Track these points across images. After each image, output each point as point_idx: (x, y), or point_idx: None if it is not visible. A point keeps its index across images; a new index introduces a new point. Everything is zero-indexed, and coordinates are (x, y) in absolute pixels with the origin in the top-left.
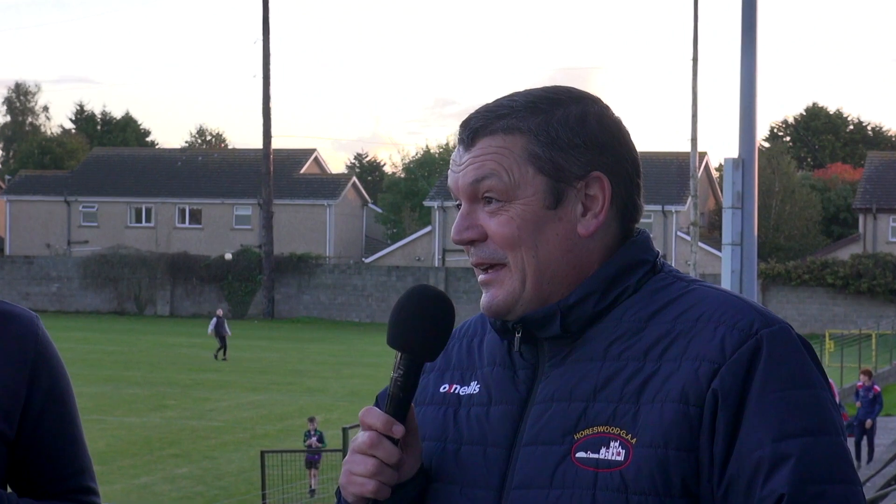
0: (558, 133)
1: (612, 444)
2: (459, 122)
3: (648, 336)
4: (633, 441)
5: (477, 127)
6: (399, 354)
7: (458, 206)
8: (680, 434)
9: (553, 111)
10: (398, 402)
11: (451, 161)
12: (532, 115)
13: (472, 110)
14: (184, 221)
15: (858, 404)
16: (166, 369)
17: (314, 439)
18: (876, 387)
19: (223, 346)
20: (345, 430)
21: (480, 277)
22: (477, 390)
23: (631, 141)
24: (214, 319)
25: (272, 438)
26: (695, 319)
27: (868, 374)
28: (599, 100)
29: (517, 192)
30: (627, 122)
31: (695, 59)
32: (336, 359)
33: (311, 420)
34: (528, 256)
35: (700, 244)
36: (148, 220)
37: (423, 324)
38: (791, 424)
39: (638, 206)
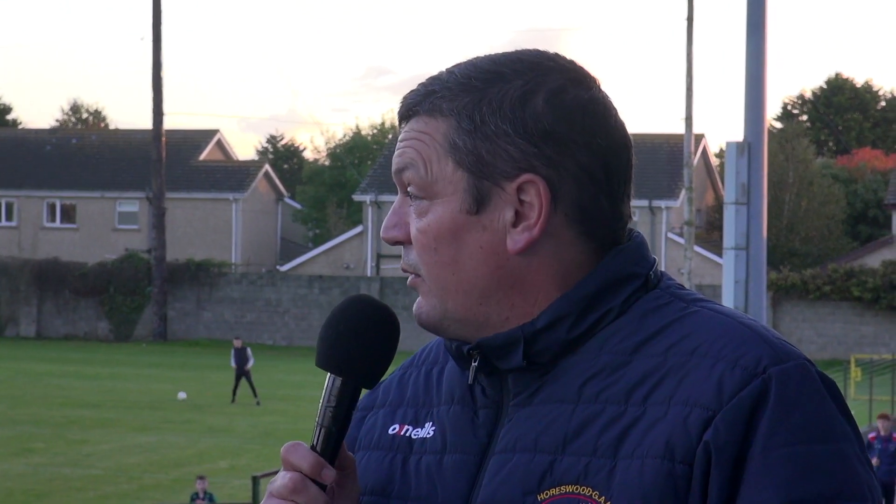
0: (485, 118)
1: None
2: (395, 96)
3: (633, 372)
4: None
5: (408, 104)
6: (332, 379)
7: None
8: (662, 498)
9: (488, 89)
10: (329, 437)
11: None
12: (463, 93)
13: (411, 81)
14: (54, 220)
15: (877, 461)
16: (32, 404)
17: None
18: None
19: (249, 382)
20: (255, 480)
21: (408, 281)
22: (431, 433)
23: (605, 125)
24: (233, 350)
25: (164, 490)
26: (689, 352)
27: (886, 417)
28: (572, 70)
29: (436, 189)
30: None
31: (690, 19)
32: (244, 390)
33: (201, 479)
34: (445, 271)
35: (696, 248)
36: (9, 217)
37: (362, 341)
38: (802, 488)
39: (604, 210)
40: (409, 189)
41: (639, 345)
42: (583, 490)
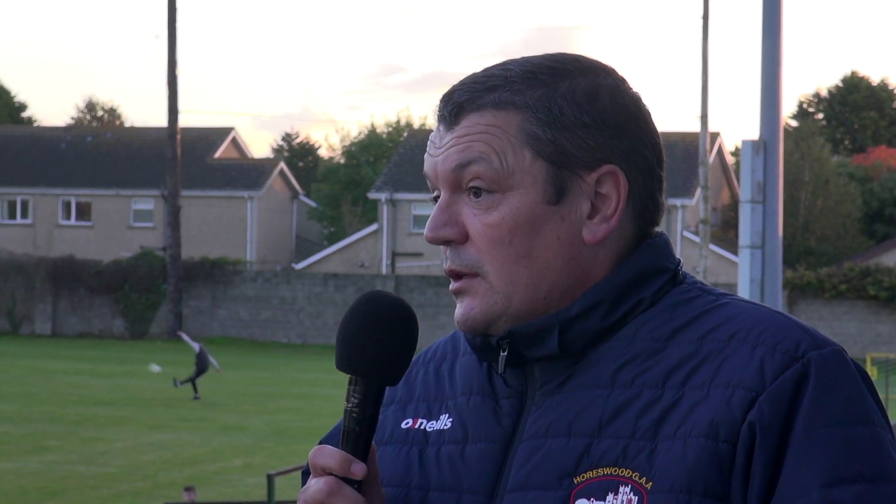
0: (563, 109)
1: (621, 489)
2: (408, 94)
3: (669, 358)
4: (648, 486)
5: (462, 101)
6: (353, 379)
7: (436, 198)
8: (707, 477)
9: (557, 83)
10: (356, 438)
11: (428, 143)
12: (531, 87)
13: (424, 79)
14: (69, 218)
15: None
16: (47, 402)
17: None
18: None
19: (192, 380)
20: (270, 478)
21: (452, 286)
22: (448, 425)
23: (652, 123)
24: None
25: (179, 488)
26: (727, 339)
27: None
28: (614, 71)
29: (511, 182)
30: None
31: (705, 17)
32: (259, 389)
33: (189, 491)
34: (518, 265)
35: (711, 247)
36: (24, 215)
37: (381, 338)
38: (844, 468)
39: (659, 205)
40: (472, 184)
41: (673, 332)
42: (622, 472)
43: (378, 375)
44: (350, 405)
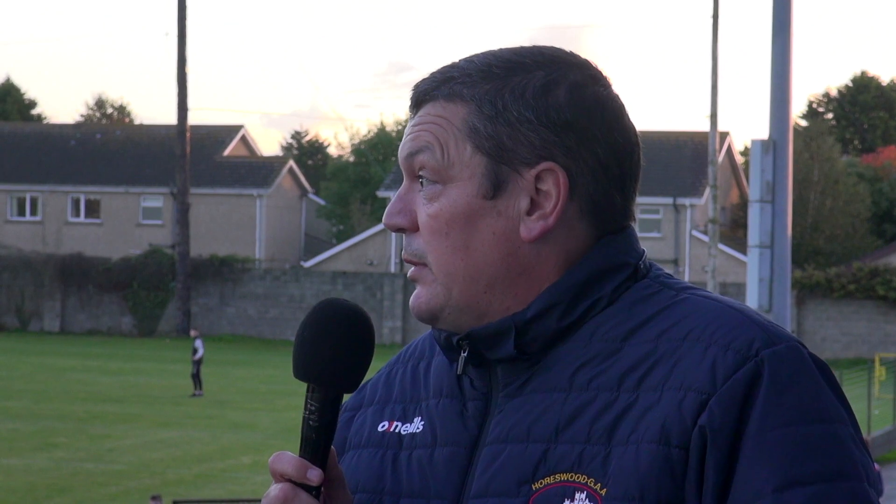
0: (507, 104)
1: (577, 495)
2: None
3: (625, 359)
4: (603, 492)
5: (420, 91)
6: (310, 387)
7: None
8: (659, 483)
9: (510, 77)
10: (314, 445)
11: None
12: (483, 80)
13: None
14: (78, 215)
15: None
16: (55, 399)
17: None
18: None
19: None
20: None
21: (409, 273)
22: (420, 428)
23: (619, 121)
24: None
25: (187, 485)
26: (681, 338)
27: None
28: (587, 66)
29: (451, 173)
30: (629, 95)
31: (715, 17)
32: (267, 386)
33: (155, 499)
34: (454, 257)
35: (720, 246)
36: (33, 212)
37: (335, 346)
38: (799, 469)
39: (616, 205)
40: (420, 173)
41: (630, 332)
42: (578, 478)
43: (334, 383)
44: (307, 413)
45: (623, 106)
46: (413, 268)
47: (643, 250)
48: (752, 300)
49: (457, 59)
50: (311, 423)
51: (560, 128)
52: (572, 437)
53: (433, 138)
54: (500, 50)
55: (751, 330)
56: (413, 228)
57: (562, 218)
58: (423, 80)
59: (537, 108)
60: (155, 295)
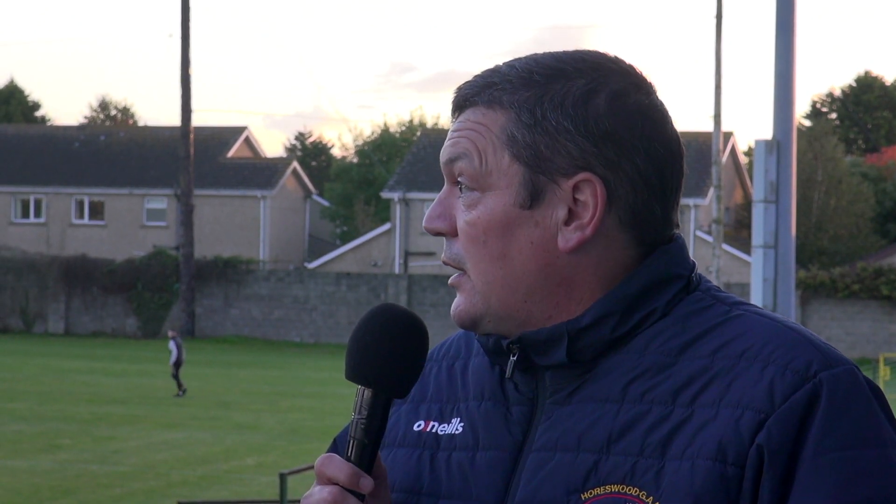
0: (546, 113)
1: None
2: (420, 93)
3: (680, 374)
4: None
5: (462, 95)
6: (362, 391)
7: None
8: (714, 500)
9: (550, 84)
10: (363, 449)
11: None
12: (524, 87)
13: (435, 78)
14: (82, 217)
15: None
16: (60, 401)
17: None
18: None
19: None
20: (282, 477)
21: (450, 279)
22: (459, 430)
23: (663, 131)
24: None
25: (192, 487)
26: (737, 356)
27: None
28: (631, 73)
29: (489, 181)
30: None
31: (719, 17)
32: (271, 388)
33: None
34: (492, 266)
35: (724, 246)
36: (37, 214)
37: (391, 352)
38: (852, 492)
39: (656, 216)
40: (459, 179)
41: (684, 346)
42: (629, 490)
43: (387, 388)
44: (359, 416)
45: (666, 114)
46: (454, 274)
47: (694, 262)
48: (757, 300)
49: (500, 63)
50: (361, 425)
51: (599, 138)
52: (625, 448)
53: (472, 145)
54: (543, 55)
55: (808, 351)
56: (452, 233)
57: (600, 229)
58: (466, 83)
59: (576, 118)
60: (159, 296)
